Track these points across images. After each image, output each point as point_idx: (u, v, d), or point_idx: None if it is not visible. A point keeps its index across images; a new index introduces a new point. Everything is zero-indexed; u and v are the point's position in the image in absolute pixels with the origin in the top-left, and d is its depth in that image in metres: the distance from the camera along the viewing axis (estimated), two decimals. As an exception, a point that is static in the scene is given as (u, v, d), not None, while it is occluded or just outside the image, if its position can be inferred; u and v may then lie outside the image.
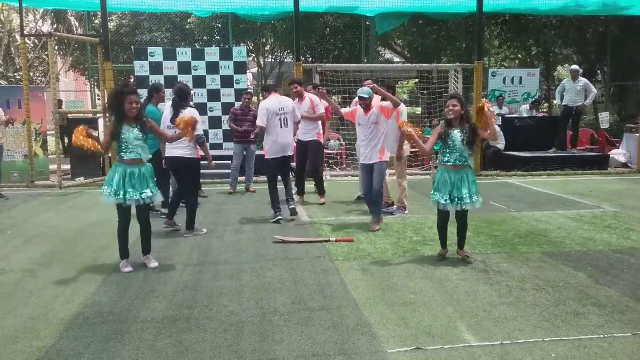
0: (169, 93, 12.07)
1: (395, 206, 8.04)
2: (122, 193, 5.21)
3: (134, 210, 5.46)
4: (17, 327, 4.06)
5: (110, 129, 5.34)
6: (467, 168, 5.50)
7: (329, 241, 6.39)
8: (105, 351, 3.66)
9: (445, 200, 5.42)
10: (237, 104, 10.84)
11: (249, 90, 11.29)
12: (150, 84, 10.73)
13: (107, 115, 5.53)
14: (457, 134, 5.42)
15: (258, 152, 10.20)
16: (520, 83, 15.36)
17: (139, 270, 5.38)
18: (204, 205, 8.83)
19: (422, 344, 3.70)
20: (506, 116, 14.12)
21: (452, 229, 5.72)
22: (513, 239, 6.45)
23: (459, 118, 5.46)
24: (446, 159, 5.51)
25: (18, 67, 16.35)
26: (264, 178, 7.87)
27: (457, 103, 5.46)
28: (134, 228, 5.54)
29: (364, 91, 6.91)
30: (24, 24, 12.47)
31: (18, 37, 15.27)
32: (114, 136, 5.28)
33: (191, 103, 7.50)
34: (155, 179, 5.48)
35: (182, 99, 6.86)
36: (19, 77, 15.52)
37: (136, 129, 5.27)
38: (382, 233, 6.80)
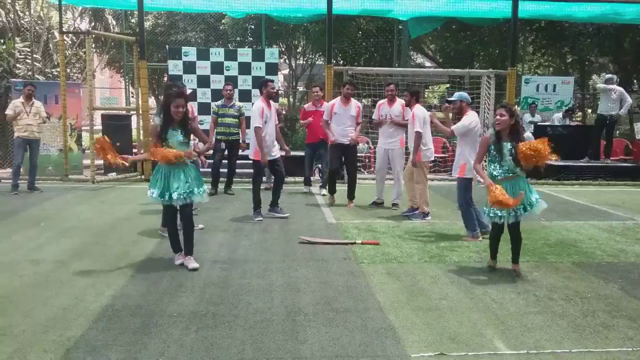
0: (201, 93, 12.30)
1: (416, 210, 7.97)
2: (167, 195, 5.23)
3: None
4: (48, 317, 4.16)
5: (156, 132, 5.32)
6: (518, 177, 5.18)
7: (354, 243, 6.39)
8: (133, 343, 3.72)
9: (501, 214, 5.14)
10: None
11: (278, 91, 11.35)
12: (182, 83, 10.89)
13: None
14: (506, 147, 5.09)
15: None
16: (554, 91, 15.14)
17: (167, 266, 5.45)
18: (232, 203, 8.92)
19: (446, 350, 3.69)
20: (538, 124, 13.93)
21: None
22: (542, 248, 6.36)
23: (507, 129, 5.11)
24: (494, 173, 5.19)
25: (56, 63, 16.68)
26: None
27: (505, 112, 5.09)
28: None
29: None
30: (63, 21, 12.73)
31: (57, 34, 15.59)
32: (160, 139, 5.24)
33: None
34: (201, 179, 5.48)
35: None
36: (56, 73, 15.82)
37: (180, 134, 5.27)
38: (408, 237, 6.77)
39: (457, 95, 6.84)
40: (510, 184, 5.16)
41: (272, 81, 8.14)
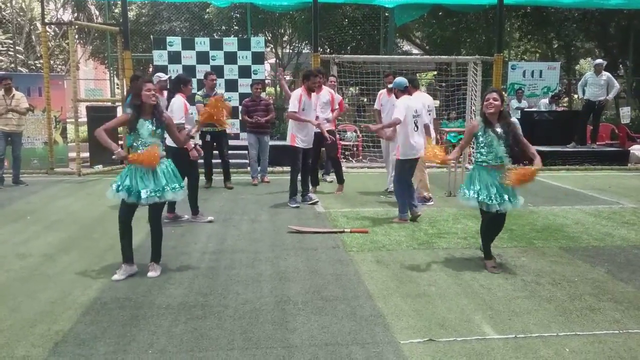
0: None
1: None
2: (127, 189, 4.73)
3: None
4: (35, 311, 4.13)
5: (123, 118, 5.05)
6: (504, 167, 5.00)
7: (343, 232, 6.40)
8: (122, 335, 3.71)
9: (488, 199, 4.93)
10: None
11: (265, 80, 11.24)
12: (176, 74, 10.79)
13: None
14: (495, 132, 4.98)
15: (272, 143, 10.23)
16: (540, 76, 15.19)
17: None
18: (220, 194, 8.90)
19: (435, 336, 3.71)
20: (525, 110, 13.99)
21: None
22: (529, 233, 6.40)
23: (497, 114, 5.02)
24: (481, 159, 5.05)
25: (39, 55, 16.52)
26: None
27: (498, 97, 5.03)
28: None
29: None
30: (45, 12, 12.57)
31: (39, 25, 15.41)
32: (129, 128, 4.89)
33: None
34: (177, 174, 5.02)
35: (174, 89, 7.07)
36: (39, 65, 15.67)
37: (151, 124, 4.89)
38: (397, 225, 6.79)
39: (395, 82, 7.13)
40: (498, 173, 4.98)
41: (316, 75, 8.01)
